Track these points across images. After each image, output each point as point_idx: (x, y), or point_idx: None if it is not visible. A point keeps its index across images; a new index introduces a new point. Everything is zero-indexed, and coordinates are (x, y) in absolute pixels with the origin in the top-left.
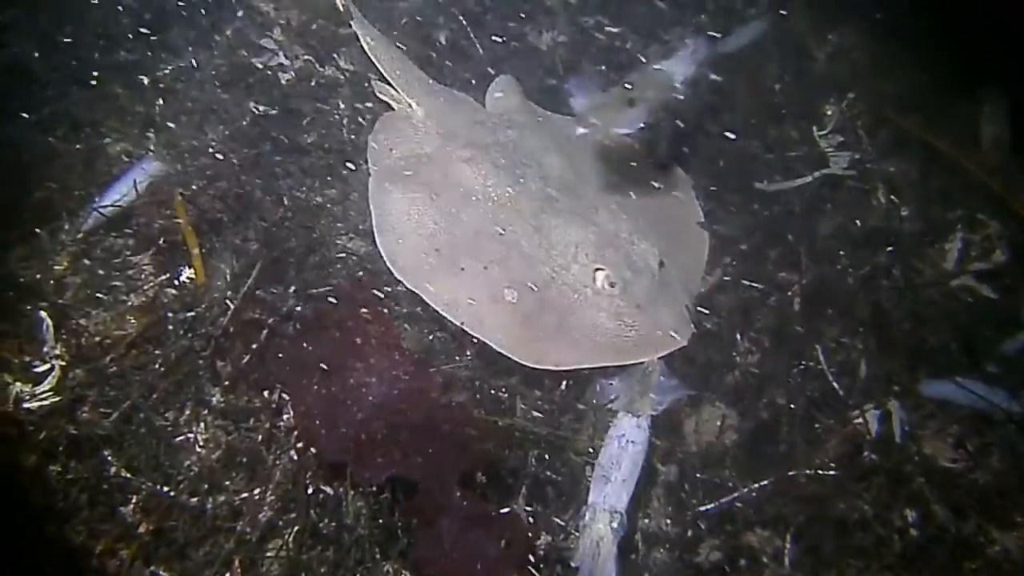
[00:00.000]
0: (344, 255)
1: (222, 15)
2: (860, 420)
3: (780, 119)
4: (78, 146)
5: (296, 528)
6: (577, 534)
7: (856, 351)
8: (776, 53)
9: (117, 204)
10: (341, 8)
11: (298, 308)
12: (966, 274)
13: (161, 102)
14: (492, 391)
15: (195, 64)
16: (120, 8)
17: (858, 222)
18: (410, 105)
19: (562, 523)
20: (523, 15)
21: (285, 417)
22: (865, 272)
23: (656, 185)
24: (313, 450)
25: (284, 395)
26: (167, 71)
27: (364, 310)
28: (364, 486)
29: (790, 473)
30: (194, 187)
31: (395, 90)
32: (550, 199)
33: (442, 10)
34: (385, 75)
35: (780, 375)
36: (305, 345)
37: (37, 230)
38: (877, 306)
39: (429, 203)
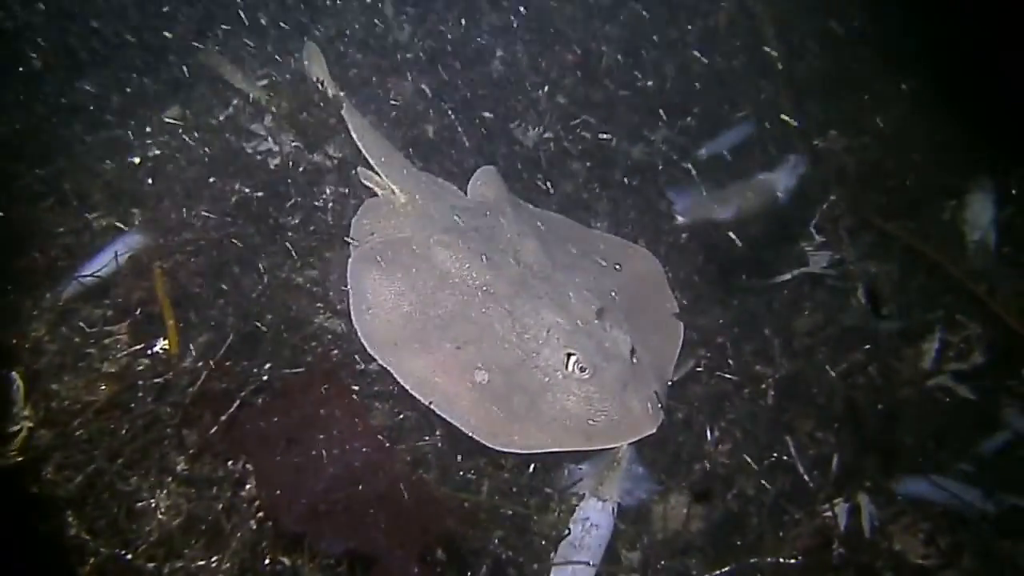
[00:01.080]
0: (319, 333)
1: (216, 100)
2: (829, 513)
3: (761, 217)
4: (64, 218)
5: None
6: None
7: (829, 445)
8: (760, 156)
9: (97, 275)
10: (331, 96)
11: (267, 380)
12: (943, 374)
13: (150, 180)
14: (458, 470)
15: (186, 145)
16: (117, 86)
17: (836, 320)
18: (393, 191)
19: None
20: (511, 111)
21: (247, 487)
22: (841, 369)
23: (631, 275)
24: (271, 521)
25: (248, 466)
26: (157, 152)
27: (331, 386)
28: (321, 558)
29: (752, 560)
30: (174, 261)
31: (379, 176)
32: (525, 284)
33: (432, 103)
34: (370, 161)
35: (750, 466)
36: (273, 418)
37: (17, 296)
38: (852, 402)
39: (406, 284)
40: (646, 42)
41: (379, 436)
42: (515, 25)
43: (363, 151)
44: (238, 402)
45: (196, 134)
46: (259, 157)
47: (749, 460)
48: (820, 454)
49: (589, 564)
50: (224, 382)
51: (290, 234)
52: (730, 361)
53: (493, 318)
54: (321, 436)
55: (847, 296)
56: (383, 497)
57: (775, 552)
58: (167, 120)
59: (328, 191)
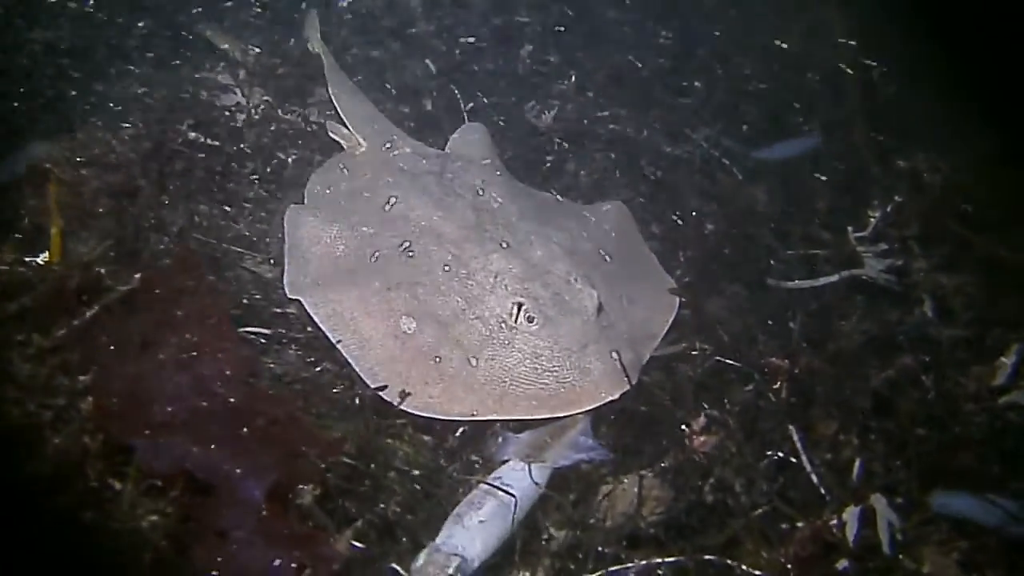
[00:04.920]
0: (242, 274)
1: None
2: (836, 521)
3: (810, 215)
4: None
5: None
6: None
7: (851, 449)
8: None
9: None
10: (316, 53)
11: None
12: (1018, 391)
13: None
14: (352, 409)
15: (143, 93)
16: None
17: (888, 327)
18: (359, 142)
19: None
20: (528, 96)
21: (89, 399)
22: (887, 376)
23: (629, 244)
24: (101, 433)
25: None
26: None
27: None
28: (148, 478)
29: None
30: (79, 175)
31: (347, 129)
32: (479, 228)
33: (438, 81)
34: (341, 114)
35: (741, 460)
36: (133, 322)
37: None
38: (892, 410)
39: (345, 227)
40: (706, 47)
41: (249, 352)
42: (555, 22)
43: (335, 103)
44: (97, 308)
45: (160, 85)
46: (227, 112)
47: (741, 453)
48: (839, 458)
49: (484, 523)
50: (89, 282)
51: (232, 184)
52: (739, 350)
53: (435, 262)
54: (174, 340)
55: (907, 304)
56: (237, 416)
57: (754, 556)
58: (132, 70)
59: (293, 150)
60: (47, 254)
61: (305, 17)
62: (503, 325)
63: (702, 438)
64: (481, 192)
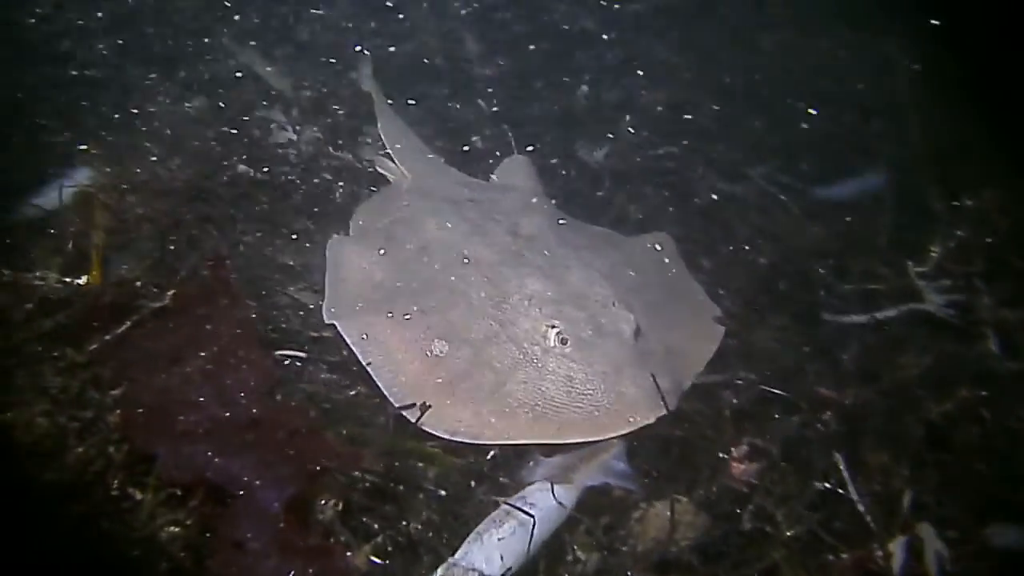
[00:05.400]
0: (283, 299)
1: (246, 96)
2: (881, 552)
3: (870, 251)
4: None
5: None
6: None
7: (902, 480)
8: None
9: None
10: (367, 92)
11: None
12: None
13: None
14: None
15: (199, 121)
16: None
17: (947, 360)
18: (404, 174)
19: None
20: (581, 134)
21: (117, 412)
22: (944, 409)
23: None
24: (127, 443)
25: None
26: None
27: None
28: (168, 487)
29: None
30: (125, 201)
31: (393, 162)
32: (516, 255)
33: (490, 119)
34: (388, 148)
35: (782, 489)
36: (163, 337)
37: None
38: (949, 441)
39: (383, 255)
40: (767, 87)
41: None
42: (613, 63)
43: (383, 138)
44: (129, 324)
45: (214, 121)
46: (279, 150)
47: (784, 482)
48: (888, 490)
49: (503, 541)
50: (124, 300)
51: (279, 215)
52: (786, 381)
53: (470, 285)
54: (202, 354)
55: (968, 339)
56: (259, 428)
57: None
58: (187, 107)
59: (342, 184)
60: (88, 277)
61: (359, 59)
62: (536, 348)
63: (743, 466)
64: (520, 219)
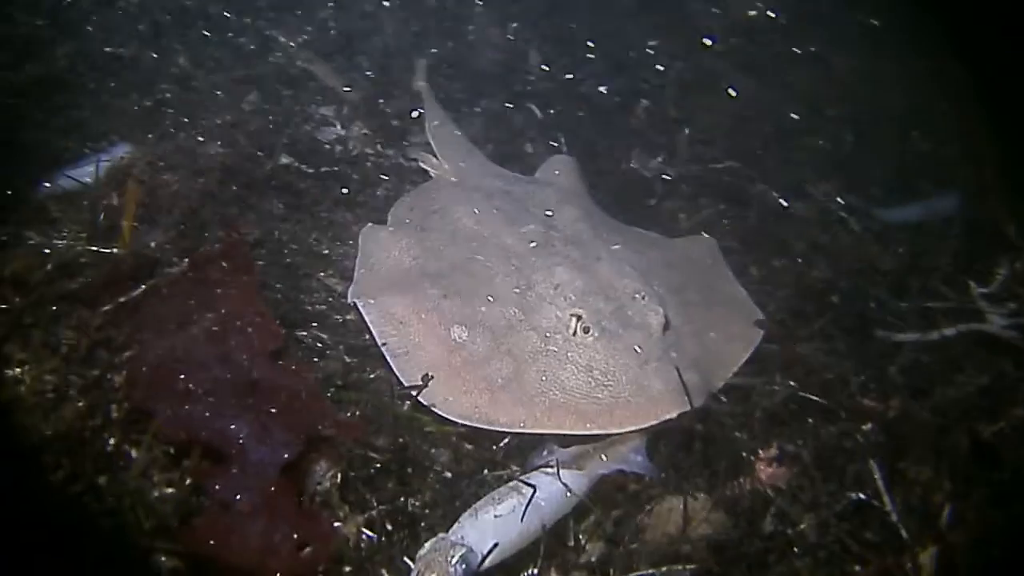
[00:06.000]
0: (312, 284)
1: (296, 95)
2: (911, 564)
3: (931, 270)
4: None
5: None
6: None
7: (943, 494)
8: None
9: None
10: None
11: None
12: None
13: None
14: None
15: (246, 114)
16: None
17: (1005, 381)
18: (445, 169)
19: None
20: (635, 144)
21: (124, 372)
22: (998, 428)
23: (714, 271)
24: (126, 401)
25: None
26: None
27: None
28: (163, 445)
29: None
30: (160, 179)
31: (435, 157)
32: (546, 244)
33: (542, 126)
34: (432, 143)
35: (811, 496)
36: (175, 300)
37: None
38: (999, 459)
39: (415, 241)
40: (836, 108)
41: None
42: (677, 80)
43: (428, 134)
44: (144, 287)
45: (263, 113)
46: (326, 145)
47: (814, 489)
48: (928, 503)
49: (500, 517)
50: (143, 266)
51: (318, 206)
52: (826, 390)
53: (495, 273)
54: (209, 316)
55: None
56: (258, 390)
57: None
58: (239, 99)
59: (385, 179)
60: (115, 246)
61: (414, 61)
62: (558, 336)
63: (770, 469)
64: (555, 211)
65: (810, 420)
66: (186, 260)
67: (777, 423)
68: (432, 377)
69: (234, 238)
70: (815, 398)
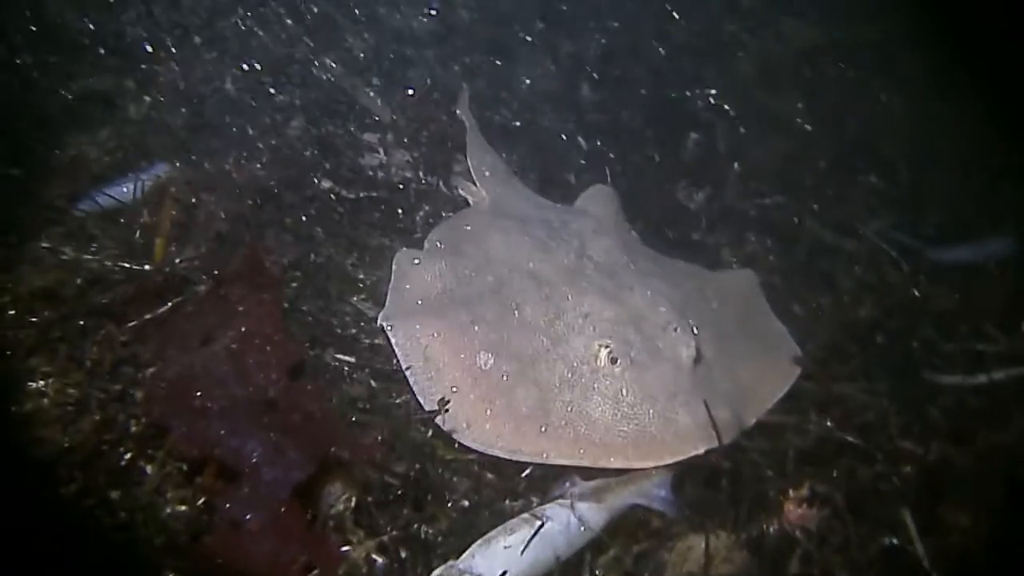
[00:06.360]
0: (345, 307)
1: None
2: None
3: (983, 312)
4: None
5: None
6: None
7: (980, 542)
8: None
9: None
10: (460, 118)
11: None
12: None
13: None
14: (408, 434)
15: (289, 138)
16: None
17: None
18: (484, 197)
19: None
20: (682, 176)
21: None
22: None
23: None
24: (144, 416)
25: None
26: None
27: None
28: (177, 461)
29: None
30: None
31: (474, 185)
32: (578, 273)
33: (591, 161)
34: (472, 171)
35: (841, 539)
36: (201, 318)
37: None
38: None
39: (446, 268)
40: (892, 145)
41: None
42: (729, 114)
43: (470, 162)
44: (170, 304)
45: (306, 139)
46: (369, 172)
47: (845, 531)
48: (966, 551)
49: (509, 548)
50: (171, 284)
51: (356, 231)
52: (864, 431)
53: (525, 301)
54: (230, 334)
55: None
56: (274, 409)
57: None
58: (284, 124)
59: (426, 206)
60: (147, 264)
61: (460, 91)
62: (585, 367)
63: (800, 510)
64: (589, 240)
65: (845, 462)
66: (211, 278)
67: (810, 463)
68: (450, 403)
69: (257, 256)
70: (851, 439)
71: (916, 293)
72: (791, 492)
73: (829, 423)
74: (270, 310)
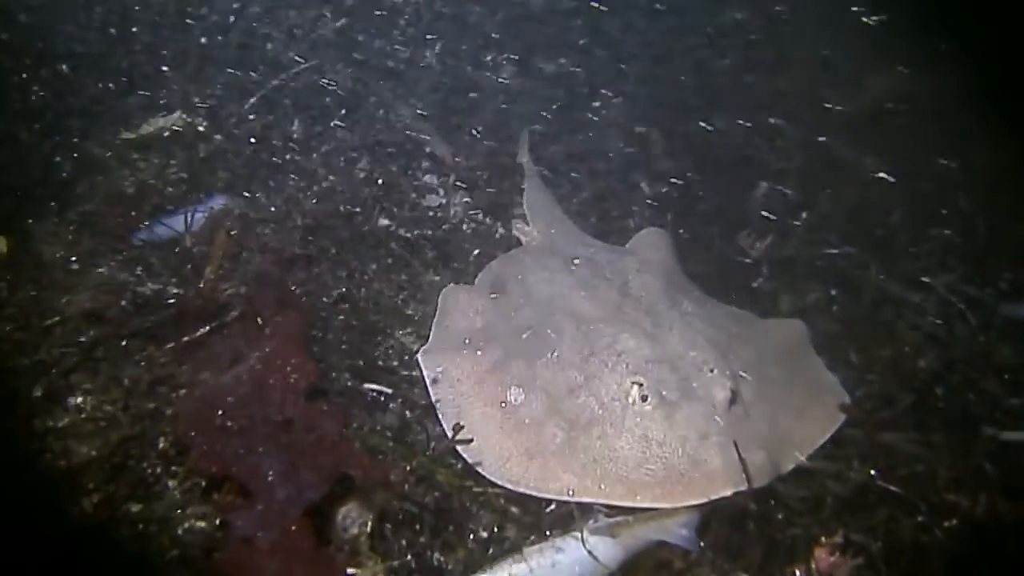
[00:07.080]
0: (389, 341)
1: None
2: None
3: None
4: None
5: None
6: None
7: None
8: None
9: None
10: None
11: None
12: None
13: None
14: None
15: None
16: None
17: None
18: (536, 235)
19: None
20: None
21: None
22: None
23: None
24: (171, 432)
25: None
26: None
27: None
28: (196, 476)
29: None
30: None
31: (527, 224)
32: (617, 311)
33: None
34: (527, 212)
35: None
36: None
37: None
38: None
39: (489, 304)
40: (967, 196)
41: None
42: (799, 162)
43: (525, 204)
44: (208, 328)
45: (369, 181)
46: (429, 213)
47: None
48: None
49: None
50: (211, 308)
51: (409, 268)
52: (909, 482)
53: (562, 338)
54: (256, 354)
55: None
56: (290, 429)
57: None
58: (349, 163)
59: (481, 246)
60: (193, 293)
61: (520, 137)
62: (616, 404)
63: (831, 558)
64: (632, 279)
65: (885, 512)
66: (248, 305)
67: (847, 510)
68: (478, 437)
69: (286, 283)
70: (895, 488)
71: (982, 347)
72: (824, 539)
73: (872, 471)
74: (293, 333)
